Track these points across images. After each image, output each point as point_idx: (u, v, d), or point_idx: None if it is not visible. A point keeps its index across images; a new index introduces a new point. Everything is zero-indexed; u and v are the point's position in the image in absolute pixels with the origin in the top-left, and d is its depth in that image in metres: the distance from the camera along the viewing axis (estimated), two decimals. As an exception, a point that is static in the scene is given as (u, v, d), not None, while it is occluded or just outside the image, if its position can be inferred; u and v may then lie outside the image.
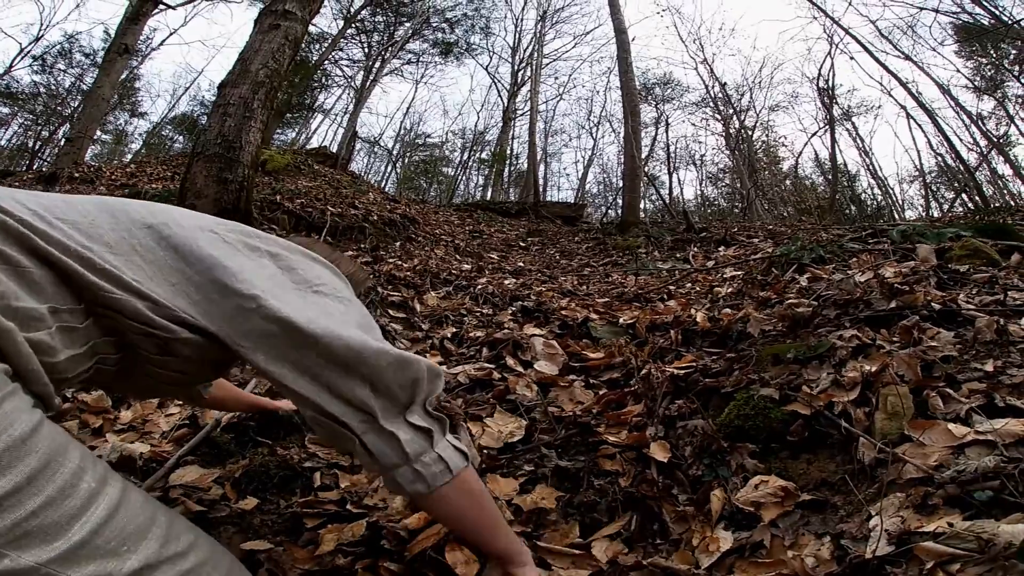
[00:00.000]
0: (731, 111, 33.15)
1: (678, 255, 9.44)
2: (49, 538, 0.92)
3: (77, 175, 11.70)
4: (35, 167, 22.54)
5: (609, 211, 32.10)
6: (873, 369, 2.32)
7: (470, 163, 40.49)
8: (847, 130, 32.62)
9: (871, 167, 33.23)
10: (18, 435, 0.93)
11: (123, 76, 20.36)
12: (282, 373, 1.28)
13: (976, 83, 27.58)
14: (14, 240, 1.06)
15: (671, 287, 5.91)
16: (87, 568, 0.96)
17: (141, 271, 1.22)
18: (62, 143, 17.48)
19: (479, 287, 5.90)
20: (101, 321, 1.19)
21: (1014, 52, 24.75)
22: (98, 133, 28.62)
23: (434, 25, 32.18)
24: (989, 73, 27.61)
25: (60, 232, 1.13)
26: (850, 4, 27.72)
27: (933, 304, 2.91)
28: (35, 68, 29.49)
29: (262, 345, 1.27)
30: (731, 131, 32.81)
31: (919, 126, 30.85)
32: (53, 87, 30.40)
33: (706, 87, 33.70)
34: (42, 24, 37.69)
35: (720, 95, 33.39)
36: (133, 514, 1.08)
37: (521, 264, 9.52)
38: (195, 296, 1.26)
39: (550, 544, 1.93)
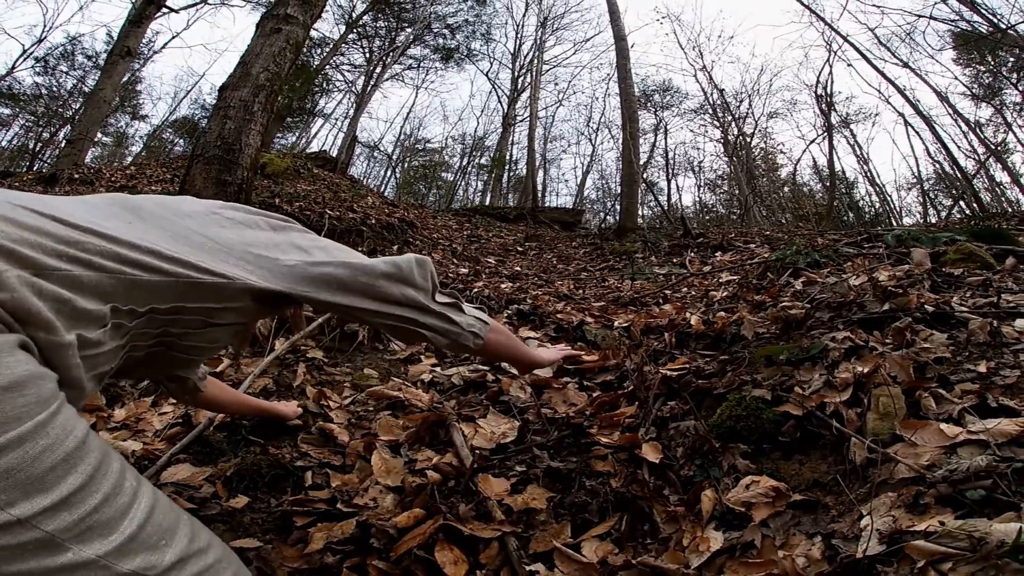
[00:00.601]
0: (730, 118, 33.20)
1: (675, 260, 9.45)
2: (105, 532, 0.97)
3: (77, 176, 11.71)
4: (35, 168, 22.52)
5: (607, 217, 32.06)
6: (865, 370, 2.31)
7: (469, 168, 40.59)
8: (845, 137, 32.68)
9: (869, 174, 33.35)
10: (80, 437, 0.99)
11: (125, 79, 20.39)
12: (350, 300, 1.51)
13: (974, 90, 27.62)
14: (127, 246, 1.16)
15: (667, 291, 5.92)
16: (135, 560, 1.01)
17: (199, 254, 1.32)
18: (63, 145, 17.46)
19: (476, 290, 5.90)
20: (154, 313, 1.26)
21: (1012, 60, 24.78)
22: (99, 135, 28.67)
23: (435, 31, 32.23)
24: (987, 80, 27.65)
25: (127, 233, 1.19)
26: (844, 8, 27.82)
27: (927, 306, 2.90)
28: (37, 70, 29.55)
29: (324, 286, 1.48)
30: (730, 138, 32.85)
31: (917, 133, 30.84)
32: (55, 89, 30.44)
33: (705, 94, 33.78)
34: (45, 26, 37.81)
35: (719, 102, 33.44)
36: (166, 511, 1.13)
37: (518, 268, 9.53)
38: (250, 267, 1.40)
39: (541, 544, 1.93)
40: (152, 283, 1.19)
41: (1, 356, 0.90)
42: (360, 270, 1.52)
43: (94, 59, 29.88)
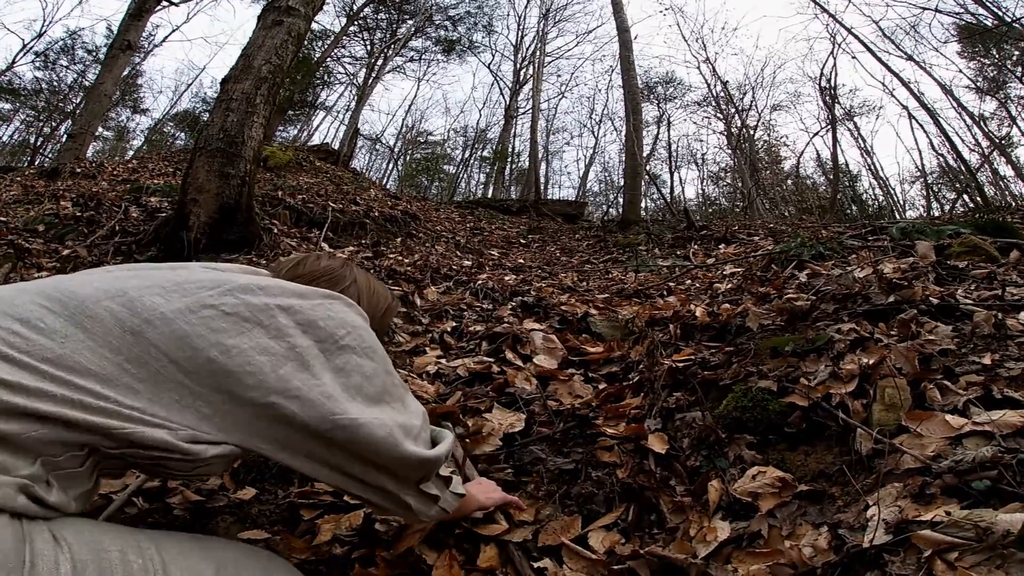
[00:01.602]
0: (733, 110, 33.13)
1: (678, 252, 9.44)
2: None
3: (79, 171, 11.69)
4: (37, 163, 22.53)
5: (610, 209, 32.05)
6: (871, 362, 2.32)
7: (471, 161, 40.55)
8: (849, 130, 32.64)
9: (873, 167, 33.21)
10: None
11: (125, 72, 20.36)
12: (312, 469, 1.26)
13: (979, 84, 27.57)
14: None
15: (671, 283, 5.92)
16: None
17: (139, 396, 1.08)
18: (64, 139, 17.48)
19: (479, 283, 5.90)
20: (109, 455, 1.09)
21: (1017, 53, 24.73)
22: (100, 129, 28.68)
23: (437, 23, 32.21)
24: (992, 74, 27.59)
25: (38, 377, 1.00)
26: (850, 2, 27.75)
27: (931, 299, 2.91)
28: (38, 64, 29.53)
29: (288, 447, 1.23)
30: (733, 130, 32.78)
31: (921, 126, 30.89)
32: (55, 83, 30.45)
33: (708, 86, 33.67)
34: (45, 20, 37.65)
35: (722, 94, 33.37)
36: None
37: (521, 261, 9.52)
38: (205, 410, 1.13)
39: (550, 538, 1.94)
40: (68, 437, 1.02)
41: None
42: (340, 440, 1.24)
43: (94, 53, 29.90)
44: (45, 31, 28.31)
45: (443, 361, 3.62)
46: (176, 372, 1.11)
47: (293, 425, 1.18)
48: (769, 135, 36.80)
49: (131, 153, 31.24)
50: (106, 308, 1.11)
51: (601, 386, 3.06)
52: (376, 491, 1.35)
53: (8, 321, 1.04)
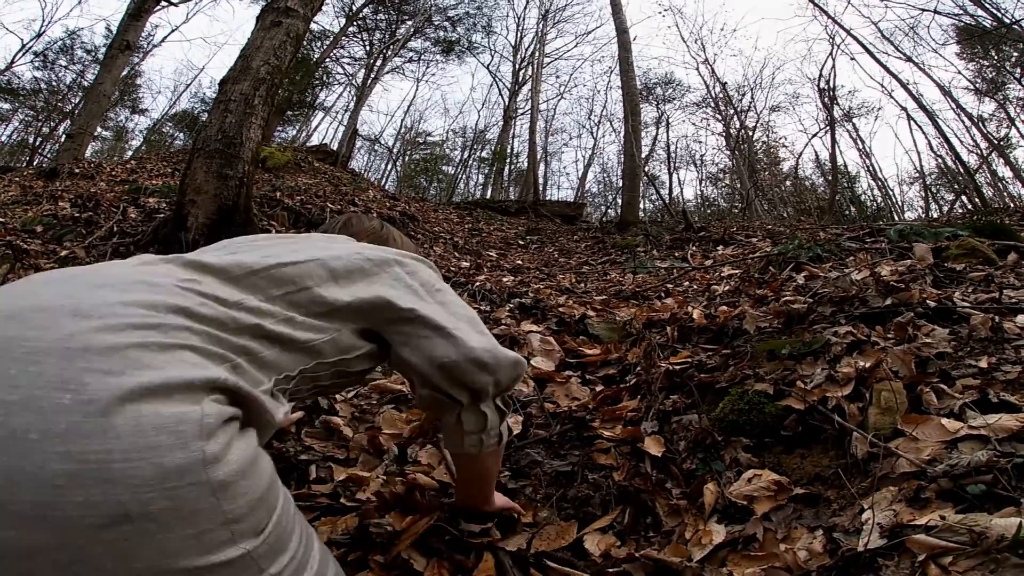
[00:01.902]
0: (732, 111, 33.14)
1: (676, 254, 9.44)
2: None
3: (77, 171, 11.67)
4: (35, 163, 22.50)
5: (609, 210, 32.05)
6: (867, 365, 2.32)
7: (470, 162, 40.47)
8: (847, 131, 32.63)
9: (871, 168, 33.23)
10: (290, 507, 1.12)
11: (124, 72, 20.36)
12: (421, 366, 1.50)
13: (977, 85, 27.58)
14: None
15: (669, 285, 5.92)
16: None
17: (336, 305, 1.39)
18: (63, 139, 17.47)
19: (477, 284, 5.90)
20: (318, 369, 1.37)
21: (1016, 54, 24.74)
22: (99, 130, 28.62)
23: (436, 23, 32.16)
24: (990, 75, 27.60)
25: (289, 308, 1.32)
26: (849, 3, 27.77)
27: (928, 301, 2.91)
28: (36, 64, 29.39)
29: (412, 344, 1.50)
30: (731, 131, 32.81)
31: (919, 128, 30.84)
32: (54, 83, 30.37)
33: (707, 87, 33.67)
34: (44, 20, 37.53)
35: (721, 95, 33.38)
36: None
37: (520, 262, 9.53)
38: (363, 315, 1.45)
39: (544, 543, 1.94)
40: (307, 347, 1.30)
41: (239, 443, 0.99)
42: (454, 341, 1.51)
43: (93, 53, 29.79)
44: (44, 31, 28.20)
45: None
46: (348, 287, 1.43)
47: (427, 326, 1.50)
48: (768, 136, 36.85)
49: (130, 153, 31.24)
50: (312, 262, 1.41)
51: (598, 388, 3.06)
52: (470, 394, 1.57)
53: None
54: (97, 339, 0.91)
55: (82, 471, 0.80)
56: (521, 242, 13.51)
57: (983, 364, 2.23)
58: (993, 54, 26.00)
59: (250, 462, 0.99)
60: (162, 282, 1.13)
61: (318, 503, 2.17)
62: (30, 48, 27.32)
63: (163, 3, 16.74)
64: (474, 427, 1.63)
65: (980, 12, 19.43)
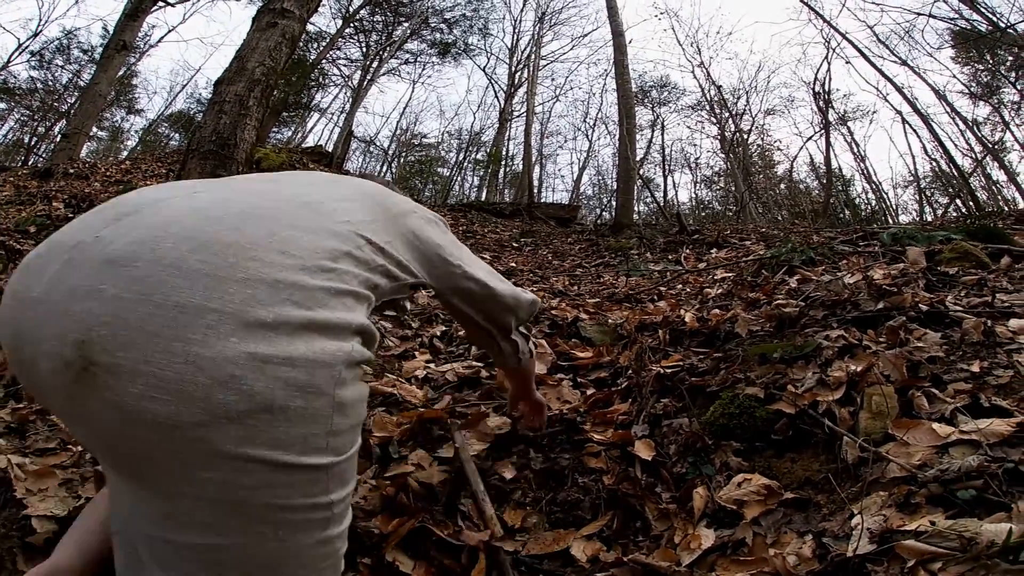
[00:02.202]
0: (727, 114, 33.18)
1: (670, 257, 9.45)
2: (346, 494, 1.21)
3: (72, 171, 11.68)
4: (31, 163, 22.47)
5: (603, 213, 32.01)
6: (859, 369, 2.32)
7: (465, 164, 40.48)
8: (842, 135, 32.68)
9: (866, 171, 33.38)
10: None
11: (120, 73, 20.36)
12: (467, 308, 1.89)
13: (972, 89, 27.63)
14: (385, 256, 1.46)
15: (662, 288, 5.92)
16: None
17: (409, 254, 1.61)
18: (58, 139, 17.43)
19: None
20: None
21: (1010, 58, 24.79)
22: (94, 129, 28.58)
23: (432, 25, 32.12)
24: (985, 79, 27.65)
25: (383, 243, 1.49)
26: (843, 5, 27.82)
27: (921, 305, 2.91)
28: (33, 64, 29.37)
29: (459, 293, 1.82)
30: (726, 134, 32.85)
31: (914, 131, 30.84)
32: (50, 83, 30.33)
33: (702, 90, 33.73)
34: (41, 19, 37.62)
35: (716, 98, 33.42)
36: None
37: (513, 264, 9.53)
38: (427, 266, 1.68)
39: (537, 547, 1.93)
40: (394, 287, 1.50)
41: (359, 383, 1.20)
42: (490, 292, 1.89)
43: (90, 53, 29.73)
44: (41, 30, 28.22)
45: (432, 366, 3.62)
46: (416, 240, 1.65)
47: (469, 279, 1.81)
48: (763, 139, 36.90)
49: (125, 153, 31.19)
50: (383, 200, 1.66)
51: (589, 391, 3.05)
52: (502, 329, 2.04)
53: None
54: (298, 277, 1.13)
55: (256, 367, 1.00)
56: (515, 244, 13.51)
57: (975, 368, 2.23)
58: (988, 58, 26.04)
59: (361, 397, 1.21)
60: (341, 230, 1.34)
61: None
62: (26, 47, 27.32)
63: (160, 3, 16.73)
64: (510, 351, 2.11)
65: (975, 16, 19.47)
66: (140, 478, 1.03)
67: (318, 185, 1.56)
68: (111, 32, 16.50)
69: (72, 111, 21.91)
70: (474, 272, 1.85)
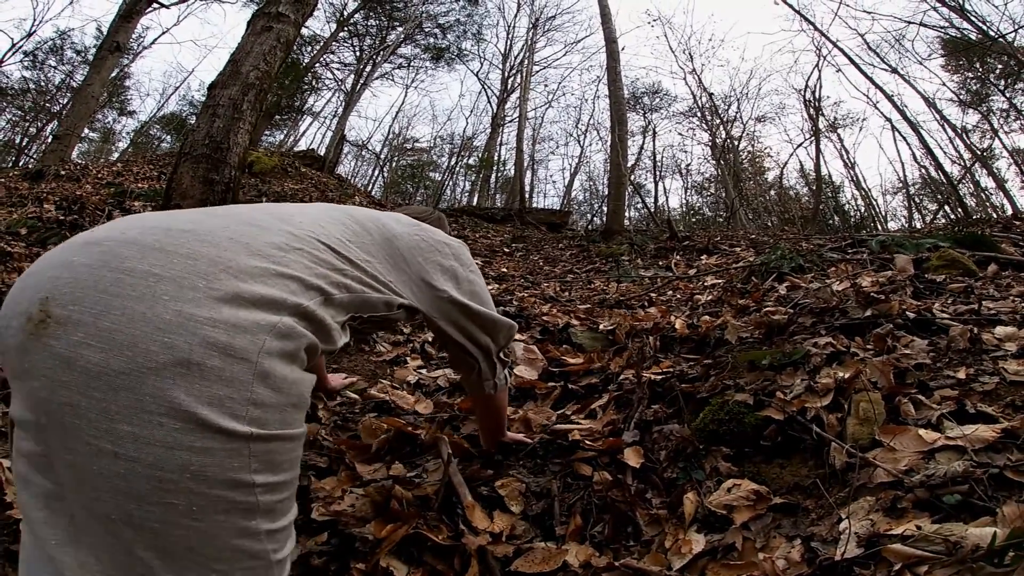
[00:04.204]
0: (718, 121, 33.19)
1: (661, 263, 9.46)
2: (279, 517, 1.22)
3: (63, 173, 11.63)
4: (22, 164, 22.38)
5: (594, 218, 31.98)
6: (846, 376, 2.34)
7: (457, 169, 40.38)
8: (832, 142, 32.72)
9: (855, 178, 33.33)
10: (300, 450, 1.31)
11: (113, 74, 20.28)
12: (451, 331, 1.97)
13: (962, 97, 27.71)
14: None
15: (652, 294, 5.93)
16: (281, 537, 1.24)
17: (391, 275, 1.74)
18: (49, 140, 17.37)
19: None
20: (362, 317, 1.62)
21: (1000, 67, 24.88)
22: (86, 131, 28.45)
23: (426, 30, 32.07)
24: (975, 87, 27.73)
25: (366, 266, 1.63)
26: (835, 15, 27.90)
27: (908, 313, 2.93)
28: (26, 64, 29.20)
29: (444, 316, 1.93)
30: (717, 141, 32.86)
31: (904, 138, 30.82)
32: (43, 84, 30.18)
33: (694, 97, 33.70)
34: (35, 20, 37.40)
35: (707, 105, 33.45)
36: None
37: (504, 270, 9.52)
38: (412, 288, 1.82)
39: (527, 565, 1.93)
40: (372, 300, 1.59)
41: (294, 366, 1.24)
42: (472, 313, 1.99)
43: (83, 54, 29.55)
44: (35, 31, 28.09)
45: (423, 371, 3.63)
46: (402, 264, 1.81)
47: (454, 304, 1.92)
48: (753, 146, 36.92)
49: (116, 155, 31.05)
50: (374, 223, 1.81)
51: (581, 397, 3.07)
52: (482, 351, 2.11)
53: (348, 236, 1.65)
54: (241, 258, 1.24)
55: (181, 324, 1.07)
56: (507, 249, 13.50)
57: (961, 375, 2.25)
58: (978, 66, 26.12)
59: (298, 379, 1.24)
60: (300, 234, 1.45)
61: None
62: (20, 47, 27.17)
63: (154, 5, 16.67)
64: (489, 375, 2.18)
65: (966, 25, 19.55)
66: (65, 440, 1.06)
67: (305, 207, 1.70)
68: (105, 33, 16.46)
69: (64, 112, 21.83)
70: (459, 297, 1.95)
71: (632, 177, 26.38)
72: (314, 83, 29.78)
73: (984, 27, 18.62)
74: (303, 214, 1.58)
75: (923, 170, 30.31)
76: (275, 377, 1.17)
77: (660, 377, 2.91)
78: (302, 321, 1.29)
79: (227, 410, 1.09)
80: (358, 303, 1.54)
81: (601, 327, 4.23)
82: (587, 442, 2.50)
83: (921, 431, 1.93)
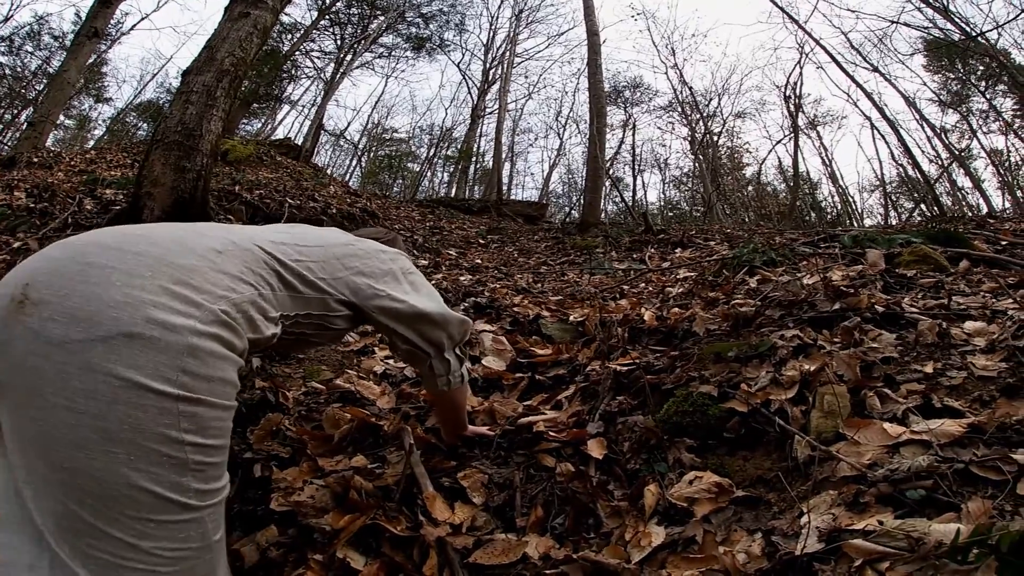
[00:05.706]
0: (698, 116, 33.30)
1: (635, 256, 9.48)
2: (212, 479, 1.40)
3: (36, 160, 11.51)
4: (-6, 150, 22.16)
5: (572, 211, 32.04)
6: (812, 368, 2.33)
7: (436, 159, 40.38)
8: (811, 139, 32.93)
9: (833, 175, 33.57)
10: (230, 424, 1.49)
11: (91, 60, 20.10)
12: (396, 327, 2.08)
13: (942, 97, 27.92)
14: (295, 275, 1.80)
15: (625, 286, 5.93)
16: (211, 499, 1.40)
17: (327, 275, 1.92)
18: (24, 127, 17.20)
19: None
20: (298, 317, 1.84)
21: (981, 68, 25.07)
22: (61, 118, 28.22)
23: (409, 19, 31.99)
24: (955, 88, 27.95)
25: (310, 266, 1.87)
26: (815, 8, 28.02)
27: (877, 307, 2.92)
28: (2, 49, 28.88)
29: (384, 312, 2.03)
30: (697, 136, 32.98)
31: (883, 137, 31.10)
32: (19, 69, 29.87)
33: (675, 91, 33.83)
34: (12, 4, 36.98)
35: (688, 100, 33.54)
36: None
37: (479, 261, 9.52)
38: (351, 287, 1.98)
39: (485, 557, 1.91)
40: (305, 296, 1.83)
41: (222, 348, 1.43)
42: (417, 311, 2.09)
43: (61, 40, 29.24)
44: (12, 15, 27.76)
45: (390, 361, 3.60)
46: (342, 270, 1.96)
47: (396, 302, 2.05)
48: (732, 141, 37.13)
49: (92, 143, 30.81)
50: (325, 238, 2.05)
51: (546, 388, 3.05)
52: (434, 347, 2.19)
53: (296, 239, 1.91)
54: (184, 259, 1.46)
55: (128, 303, 1.29)
56: (482, 241, 13.51)
57: (928, 369, 2.24)
58: (959, 66, 26.31)
59: (223, 356, 1.43)
60: (239, 240, 1.68)
61: (254, 509, 2.16)
62: (-3, 33, 26.88)
63: (131, -10, 16.53)
64: (442, 371, 2.24)
65: (949, 25, 19.66)
66: (30, 399, 1.25)
67: (255, 227, 1.96)
68: (83, 18, 16.27)
69: (39, 98, 21.61)
70: (399, 295, 2.09)
71: (611, 171, 26.45)
72: (293, 71, 29.66)
73: (966, 27, 18.75)
74: (246, 228, 1.84)
75: (900, 169, 30.58)
76: (203, 352, 1.37)
77: (627, 368, 2.88)
78: (232, 309, 1.49)
79: (160, 374, 1.28)
80: (290, 300, 1.77)
81: (571, 318, 4.22)
82: (551, 433, 2.48)
83: (886, 425, 1.92)
